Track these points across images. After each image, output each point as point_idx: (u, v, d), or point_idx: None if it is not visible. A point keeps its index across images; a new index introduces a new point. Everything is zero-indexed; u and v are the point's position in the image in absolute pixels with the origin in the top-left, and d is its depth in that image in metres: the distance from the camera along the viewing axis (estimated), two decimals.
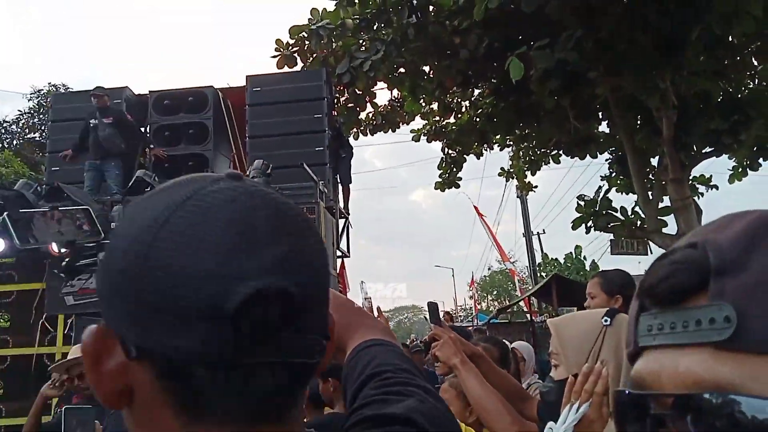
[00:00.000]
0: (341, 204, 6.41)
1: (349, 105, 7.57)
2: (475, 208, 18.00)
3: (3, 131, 15.82)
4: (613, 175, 8.19)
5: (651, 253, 7.13)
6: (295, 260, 0.42)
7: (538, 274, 17.72)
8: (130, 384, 0.41)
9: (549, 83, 5.29)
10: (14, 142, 15.78)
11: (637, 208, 6.72)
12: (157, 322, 0.39)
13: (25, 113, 15.78)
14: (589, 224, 6.77)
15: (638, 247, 7.46)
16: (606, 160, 8.39)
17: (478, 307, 32.51)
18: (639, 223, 6.62)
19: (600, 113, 7.16)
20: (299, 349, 0.42)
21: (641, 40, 5.16)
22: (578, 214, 6.78)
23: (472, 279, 33.21)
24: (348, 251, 6.39)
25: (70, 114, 6.11)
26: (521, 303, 14.85)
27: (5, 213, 1.14)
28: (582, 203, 6.78)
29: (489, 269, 41.97)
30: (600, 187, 7.87)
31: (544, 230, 16.59)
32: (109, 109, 5.60)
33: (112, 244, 0.44)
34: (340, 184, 6.51)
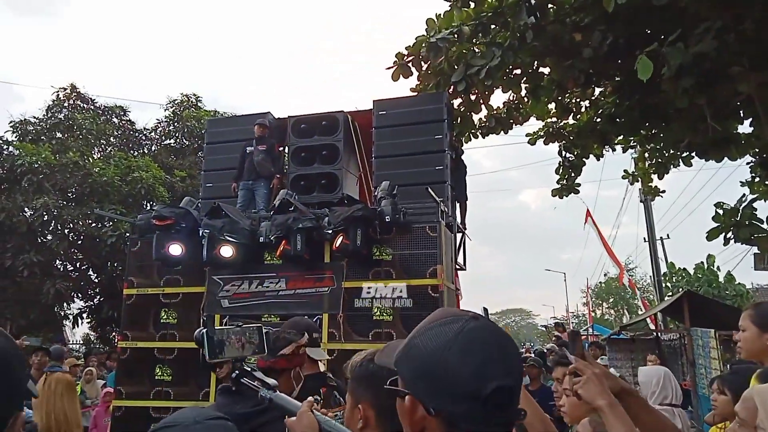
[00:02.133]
0: (459, 219, 6.98)
1: (463, 110, 7.65)
2: (588, 213, 17.55)
3: (143, 138, 18.11)
4: (756, 179, 7.69)
5: None
6: (514, 369, 0.87)
7: (663, 284, 16.98)
8: (425, 427, 0.87)
9: (683, 81, 5.02)
10: (152, 148, 18.03)
11: None
12: (445, 397, 0.84)
13: (162, 121, 17.90)
14: (728, 235, 6.30)
15: None
16: (747, 163, 7.88)
17: (592, 315, 31.44)
18: None
19: (741, 112, 6.66)
20: (513, 415, 0.87)
21: None
22: (713, 223, 6.18)
23: (587, 285, 32.07)
24: (465, 264, 6.94)
25: (221, 137, 7.31)
26: (646, 318, 14.36)
27: (205, 329, 1.68)
28: (720, 212, 6.32)
29: (605, 275, 40.40)
30: (744, 195, 7.17)
31: (668, 235, 15.70)
32: (264, 138, 6.78)
33: (416, 351, 0.89)
34: (457, 201, 7.08)
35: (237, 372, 1.71)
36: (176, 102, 17.89)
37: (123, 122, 17.65)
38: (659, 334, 10.32)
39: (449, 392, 0.84)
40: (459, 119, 7.76)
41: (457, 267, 6.54)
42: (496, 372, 0.83)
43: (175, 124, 17.62)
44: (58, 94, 16.42)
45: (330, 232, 5.62)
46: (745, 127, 7.26)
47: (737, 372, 2.75)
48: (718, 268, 18.90)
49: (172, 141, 17.88)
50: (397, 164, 6.43)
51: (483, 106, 7.74)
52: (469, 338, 0.85)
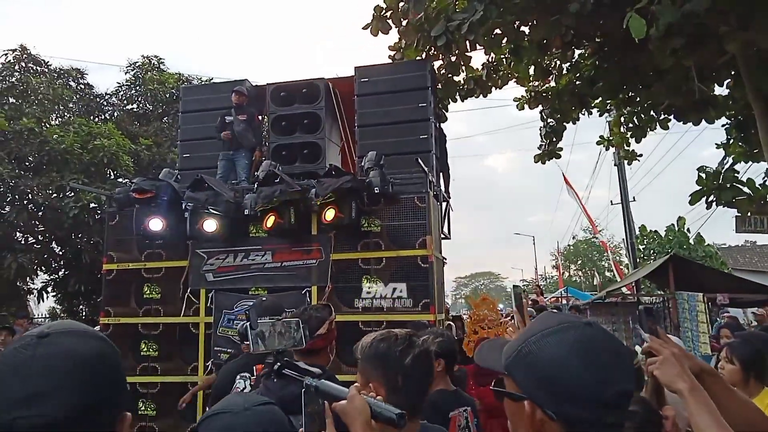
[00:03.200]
0: (443, 188, 7.10)
1: (444, 72, 7.68)
2: (564, 177, 17.99)
3: (104, 103, 17.53)
4: (731, 141, 7.86)
5: None
6: (631, 373, 0.95)
7: (636, 247, 17.60)
8: (544, 429, 0.94)
9: (672, 41, 5.00)
10: (114, 114, 17.49)
11: (766, 181, 6.40)
12: (567, 402, 0.91)
13: (122, 85, 17.33)
14: (710, 198, 6.46)
15: None
16: (723, 125, 8.13)
17: (564, 277, 32.41)
18: None
19: (720, 73, 6.74)
20: (629, 416, 0.95)
21: None
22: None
23: (558, 248, 32.99)
24: (449, 233, 7.11)
25: (198, 105, 7.20)
26: (618, 278, 14.86)
27: (248, 322, 1.84)
28: (703, 175, 6.48)
29: (573, 238, 41.73)
30: (724, 157, 7.55)
31: (634, 198, 16.17)
32: (244, 108, 6.70)
33: (535, 358, 0.96)
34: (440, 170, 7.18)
35: (279, 364, 1.82)
36: (137, 64, 17.30)
37: (81, 86, 17.02)
38: (639, 298, 10.57)
39: (571, 397, 0.91)
40: (441, 84, 7.77)
41: (443, 236, 6.68)
42: (616, 377, 0.92)
43: (137, 88, 17.07)
44: (8, 57, 15.69)
45: (318, 204, 5.66)
46: (721, 90, 7.51)
47: (748, 340, 2.82)
48: (688, 230, 19.63)
49: (134, 106, 17.35)
50: (381, 133, 6.47)
51: (463, 68, 7.72)
52: (588, 345, 0.94)
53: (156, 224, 5.97)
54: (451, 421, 2.19)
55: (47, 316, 17.60)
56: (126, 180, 14.78)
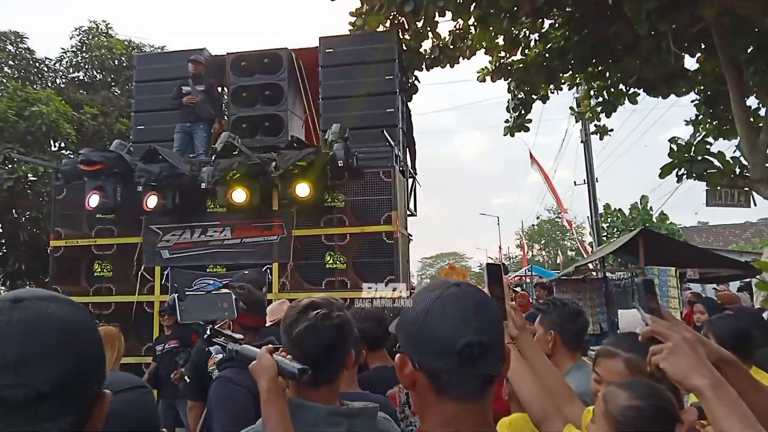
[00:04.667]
0: (409, 164, 7.14)
1: (409, 39, 7.50)
2: (531, 154, 18.27)
3: (46, 69, 16.81)
4: (700, 118, 7.94)
5: (755, 204, 6.78)
6: (486, 326, 1.00)
7: (600, 225, 18.10)
8: (415, 380, 1.02)
9: (647, 4, 5.04)
10: (57, 81, 16.81)
11: (736, 153, 6.40)
12: (426, 353, 1.00)
13: (67, 51, 16.65)
14: (680, 172, 6.45)
15: (739, 198, 7.04)
16: (692, 101, 8.21)
17: (526, 256, 33.23)
18: (739, 170, 6.27)
19: (691, 45, 6.76)
20: (488, 367, 1.00)
21: None
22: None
23: (522, 228, 33.74)
24: (415, 210, 7.17)
25: (153, 75, 6.99)
26: (584, 256, 15.20)
27: (176, 294, 2.06)
28: (675, 147, 6.45)
29: (537, 218, 42.78)
30: (696, 129, 7.62)
31: (597, 179, 16.59)
32: (202, 78, 6.54)
33: (405, 316, 1.07)
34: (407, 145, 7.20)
35: (208, 332, 1.97)
36: (83, 29, 16.63)
37: (20, 50, 16.27)
38: (605, 274, 10.66)
39: (430, 349, 1.00)
40: (406, 54, 7.61)
41: (408, 213, 6.74)
42: (467, 329, 0.98)
43: (83, 54, 16.43)
44: None
45: (279, 176, 5.62)
46: (691, 64, 7.61)
47: (732, 317, 2.81)
48: (651, 208, 20.30)
49: (81, 74, 16.71)
50: (346, 106, 6.43)
51: (430, 33, 7.54)
52: (447, 301, 1.02)
53: (95, 200, 5.82)
54: (389, 399, 2.26)
55: None
56: (69, 152, 14.29)
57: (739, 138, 6.32)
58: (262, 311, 2.94)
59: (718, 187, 6.82)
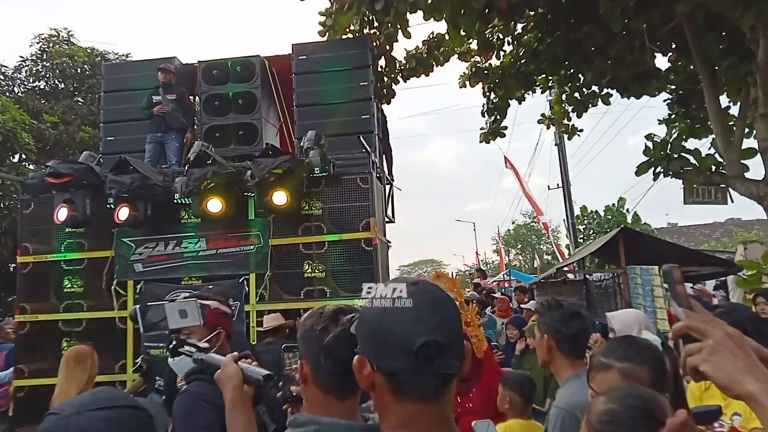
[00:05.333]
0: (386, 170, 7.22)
1: (381, 43, 7.48)
2: (506, 159, 18.54)
3: (2, 78, 16.49)
4: (673, 117, 7.98)
5: (732, 201, 6.91)
6: (444, 325, 1.02)
7: (576, 227, 18.44)
8: (373, 381, 1.05)
9: (623, 0, 5.10)
10: (15, 89, 16.48)
11: (711, 151, 6.45)
12: (384, 354, 1.02)
13: (27, 60, 16.39)
14: (657, 170, 6.48)
15: (716, 195, 7.09)
16: (664, 100, 8.30)
17: (504, 261, 33.64)
18: (714, 167, 6.34)
19: (663, 44, 6.84)
20: (446, 366, 1.02)
21: None
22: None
23: (498, 233, 34.19)
24: (393, 216, 7.25)
25: (122, 84, 6.96)
26: (560, 259, 15.39)
27: (138, 306, 2.10)
28: (650, 144, 6.49)
29: (513, 223, 43.40)
30: (669, 129, 7.34)
31: (569, 183, 16.90)
32: (173, 86, 6.54)
33: (363, 316, 1.10)
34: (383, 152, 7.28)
35: (174, 342, 2.01)
36: (43, 37, 16.40)
37: None
38: (586, 275, 10.72)
39: (387, 349, 1.01)
40: (383, 59, 7.75)
41: (387, 219, 6.82)
42: (424, 329, 0.99)
43: (44, 63, 16.19)
44: None
45: (254, 185, 5.64)
46: (662, 64, 7.81)
47: (727, 313, 2.83)
48: (627, 210, 20.77)
49: (42, 83, 16.46)
50: (321, 113, 6.51)
51: (400, 33, 7.40)
52: (405, 301, 1.04)
53: (63, 213, 5.76)
54: None
55: None
56: (29, 163, 14.00)
57: (713, 135, 6.40)
58: None
59: (695, 185, 6.88)
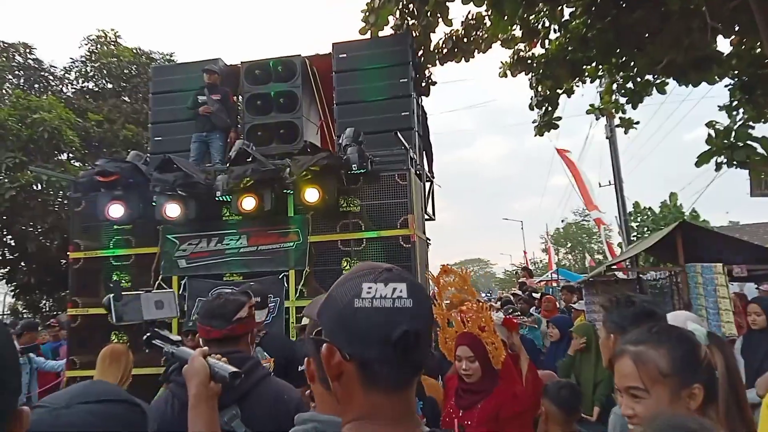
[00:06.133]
0: (426, 167, 7.36)
1: (420, 34, 7.43)
2: (559, 150, 18.20)
3: (51, 78, 17.34)
4: (734, 104, 7.55)
5: None
6: (420, 313, 1.01)
7: (629, 224, 18.07)
8: (343, 370, 1.00)
9: None
10: (62, 89, 17.26)
11: None
12: (358, 343, 0.98)
13: (77, 61, 17.20)
14: (719, 159, 6.16)
15: None
16: (726, 86, 7.83)
17: (553, 260, 33.19)
18: None
19: (726, 26, 6.49)
20: (420, 356, 1.02)
21: None
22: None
23: (547, 231, 33.77)
24: (433, 214, 7.38)
25: (169, 86, 7.37)
26: (610, 258, 15.03)
27: (111, 294, 2.02)
28: (712, 133, 6.20)
29: (563, 221, 42.78)
30: (730, 117, 7.13)
31: (621, 177, 16.45)
32: (218, 87, 6.88)
33: (332, 302, 1.03)
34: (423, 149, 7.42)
35: (148, 334, 2.01)
36: (92, 39, 17.18)
37: (28, 61, 16.86)
38: (639, 273, 10.21)
39: (363, 339, 0.98)
40: (420, 50, 7.66)
41: (427, 217, 6.94)
42: (403, 317, 0.97)
43: (93, 64, 16.97)
44: None
45: (293, 182, 5.84)
46: (723, 47, 7.45)
47: None
48: (681, 205, 20.21)
49: (91, 84, 17.24)
50: (360, 111, 6.70)
51: (441, 22, 7.39)
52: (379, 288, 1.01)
53: (116, 210, 6.09)
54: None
55: (8, 312, 17.53)
56: (74, 160, 14.64)
57: None
58: (218, 321, 2.45)
59: (762, 176, 6.73)
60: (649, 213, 21.35)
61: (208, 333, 2.46)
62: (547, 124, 9.04)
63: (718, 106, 7.60)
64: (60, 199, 13.83)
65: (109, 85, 17.24)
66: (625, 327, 2.04)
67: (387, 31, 7.40)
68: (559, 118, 9.11)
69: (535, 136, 9.24)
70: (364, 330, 0.98)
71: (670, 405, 1.45)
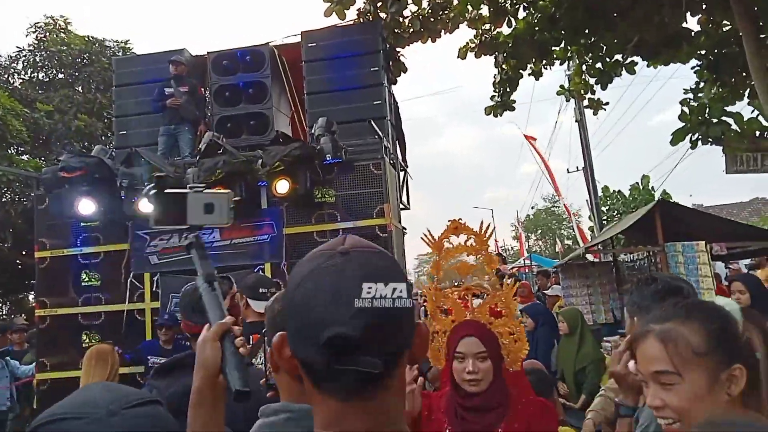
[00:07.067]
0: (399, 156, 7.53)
1: (388, 17, 7.36)
2: (526, 136, 18.63)
3: None
4: (702, 85, 7.66)
5: None
6: (361, 316, 0.80)
7: (600, 208, 18.55)
8: (294, 365, 0.89)
9: None
10: (10, 80, 16.80)
11: (754, 114, 6.17)
12: (296, 339, 0.86)
13: (24, 50, 16.78)
14: (694, 136, 6.11)
15: (764, 162, 6.65)
16: (692, 67, 7.98)
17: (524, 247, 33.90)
18: (759, 132, 6.09)
19: (693, 4, 6.54)
20: (366, 365, 0.80)
21: None
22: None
23: (518, 218, 34.42)
24: (408, 203, 7.57)
25: (132, 78, 7.37)
26: (581, 243, 15.50)
27: (153, 191, 1.54)
28: (686, 110, 6.14)
29: (532, 208, 43.80)
30: (698, 97, 7.09)
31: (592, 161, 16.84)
32: (184, 78, 6.91)
33: (287, 289, 0.91)
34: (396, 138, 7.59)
35: (190, 241, 1.57)
36: (39, 26, 16.80)
37: None
38: (615, 256, 10.30)
39: (299, 335, 0.85)
40: (388, 35, 7.57)
41: (401, 206, 7.13)
42: (340, 315, 0.80)
43: (41, 53, 16.59)
44: None
45: (265, 174, 5.93)
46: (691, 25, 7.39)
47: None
48: (652, 188, 20.78)
49: (41, 74, 16.86)
50: (332, 100, 6.82)
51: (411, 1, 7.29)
52: (322, 279, 0.84)
53: (87, 206, 6.12)
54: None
55: None
56: (21, 152, 14.31)
57: (759, 95, 5.96)
58: (198, 316, 2.31)
59: (738, 153, 6.48)
60: (618, 197, 21.94)
61: (191, 328, 2.51)
62: (503, 105, 9.02)
63: (684, 89, 7.65)
64: (11, 196, 13.56)
65: (60, 75, 16.89)
66: (648, 307, 1.84)
67: (353, 13, 7.38)
68: (514, 101, 9.09)
69: (488, 114, 9.24)
70: (300, 325, 0.84)
71: (709, 392, 1.25)
